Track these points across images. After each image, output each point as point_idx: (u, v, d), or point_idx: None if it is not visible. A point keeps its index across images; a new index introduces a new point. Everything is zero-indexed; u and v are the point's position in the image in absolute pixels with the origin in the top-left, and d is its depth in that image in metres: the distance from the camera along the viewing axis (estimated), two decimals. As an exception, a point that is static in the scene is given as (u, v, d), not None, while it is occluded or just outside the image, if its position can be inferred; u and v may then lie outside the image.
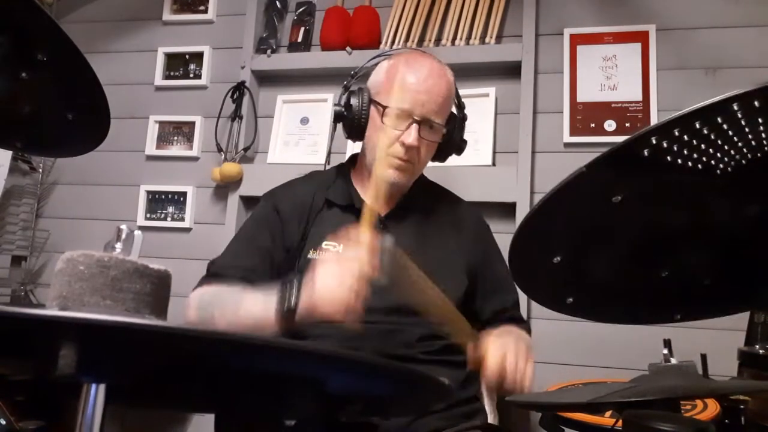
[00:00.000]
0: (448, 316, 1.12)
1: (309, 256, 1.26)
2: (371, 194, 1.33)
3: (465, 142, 1.40)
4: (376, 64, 1.36)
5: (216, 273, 1.27)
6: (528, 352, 1.12)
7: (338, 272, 0.98)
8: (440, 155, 1.37)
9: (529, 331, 1.35)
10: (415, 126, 1.24)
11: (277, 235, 1.30)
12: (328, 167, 1.51)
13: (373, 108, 1.29)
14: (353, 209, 1.32)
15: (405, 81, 1.25)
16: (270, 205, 1.36)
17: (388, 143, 1.25)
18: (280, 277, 1.27)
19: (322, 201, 1.34)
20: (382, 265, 0.94)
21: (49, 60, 0.86)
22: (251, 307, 1.07)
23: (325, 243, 1.27)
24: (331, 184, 1.38)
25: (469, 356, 1.11)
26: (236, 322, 1.08)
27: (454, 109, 1.37)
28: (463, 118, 1.40)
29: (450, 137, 1.34)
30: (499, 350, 1.08)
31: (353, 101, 1.31)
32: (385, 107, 1.26)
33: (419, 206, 1.36)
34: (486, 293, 1.34)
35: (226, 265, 1.29)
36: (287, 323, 1.00)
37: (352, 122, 1.32)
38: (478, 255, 1.36)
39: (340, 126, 1.37)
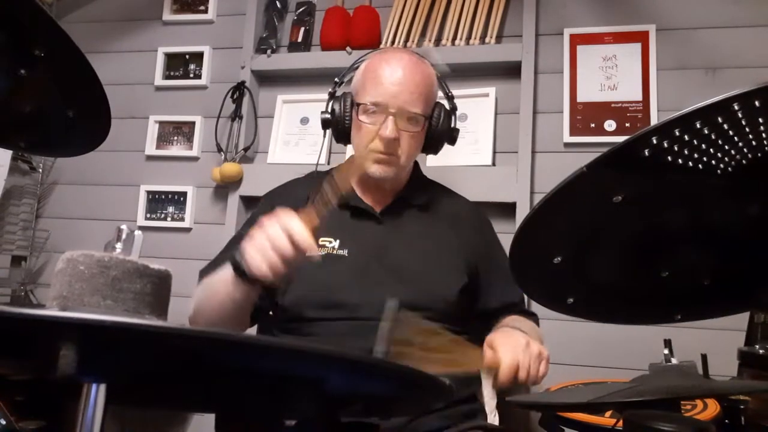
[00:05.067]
0: (458, 353, 1.08)
1: (307, 254, 1.27)
2: (359, 190, 1.35)
3: (456, 130, 1.40)
4: (357, 67, 1.38)
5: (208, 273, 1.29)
6: (540, 346, 1.10)
7: (262, 233, 1.02)
8: (430, 147, 1.37)
9: (537, 322, 1.36)
10: (391, 118, 1.25)
11: None
12: (327, 167, 1.52)
13: (353, 109, 1.31)
14: (348, 206, 1.33)
15: (377, 76, 1.27)
16: (267, 206, 1.36)
17: (368, 139, 1.27)
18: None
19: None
20: (384, 331, 0.93)
21: (47, 56, 0.85)
22: (222, 277, 1.12)
23: (321, 239, 1.28)
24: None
25: (481, 361, 1.08)
26: (215, 296, 1.14)
27: (444, 101, 1.38)
28: (453, 108, 1.40)
29: (436, 126, 1.34)
30: (512, 355, 1.04)
31: (336, 107, 1.35)
32: (360, 105, 1.27)
33: (416, 202, 1.37)
34: (490, 286, 1.34)
35: (219, 263, 1.31)
36: (245, 282, 1.05)
37: (337, 127, 1.35)
38: (479, 249, 1.36)
39: None
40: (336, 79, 1.44)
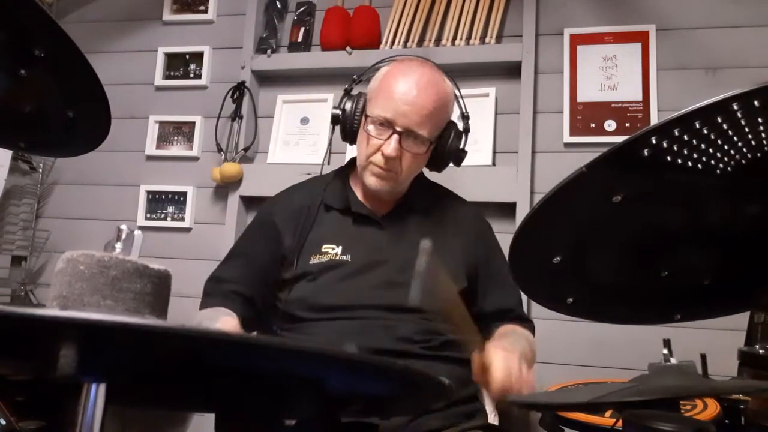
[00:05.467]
0: (461, 318, 1.09)
1: (311, 261, 1.27)
2: (361, 196, 1.34)
3: (464, 152, 1.37)
4: (378, 69, 1.37)
5: (213, 290, 1.30)
6: (531, 361, 1.10)
7: None
8: (434, 165, 1.37)
9: (533, 330, 1.35)
10: (395, 137, 1.23)
11: (271, 244, 1.31)
12: (327, 167, 1.51)
13: (363, 114, 1.30)
14: (350, 212, 1.33)
15: (391, 89, 1.25)
16: (266, 214, 1.37)
17: (371, 151, 1.26)
18: (275, 285, 1.28)
19: (320, 205, 1.34)
20: (420, 267, 0.93)
21: (47, 56, 0.85)
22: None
23: (324, 247, 1.28)
24: (328, 187, 1.38)
25: (474, 368, 1.07)
26: None
27: (457, 118, 1.36)
28: (466, 128, 1.38)
29: (443, 148, 1.32)
30: (504, 366, 1.02)
31: (348, 106, 1.33)
32: (368, 116, 1.27)
33: (419, 207, 1.36)
34: (487, 291, 1.34)
35: (221, 279, 1.32)
36: None
37: (344, 126, 1.34)
38: (478, 254, 1.36)
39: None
40: (354, 77, 1.43)
